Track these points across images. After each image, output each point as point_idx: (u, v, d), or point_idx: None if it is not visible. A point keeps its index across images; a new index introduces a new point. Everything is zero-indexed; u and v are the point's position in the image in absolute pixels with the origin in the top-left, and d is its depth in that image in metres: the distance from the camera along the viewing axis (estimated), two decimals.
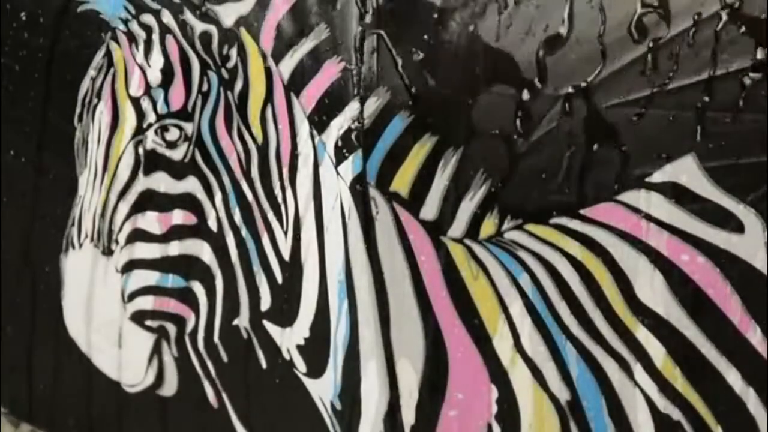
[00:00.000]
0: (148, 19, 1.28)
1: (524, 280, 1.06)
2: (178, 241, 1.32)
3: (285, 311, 1.25)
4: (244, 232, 1.26)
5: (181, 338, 1.35)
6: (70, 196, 1.42)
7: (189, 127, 1.28)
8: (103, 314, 1.40)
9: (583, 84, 0.98)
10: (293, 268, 1.23)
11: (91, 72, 1.36)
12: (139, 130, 1.31)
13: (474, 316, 1.10)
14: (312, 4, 1.15)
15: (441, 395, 1.14)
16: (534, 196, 1.03)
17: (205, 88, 1.26)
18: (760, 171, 0.90)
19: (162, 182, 1.31)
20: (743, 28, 0.89)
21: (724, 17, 0.90)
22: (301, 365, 1.25)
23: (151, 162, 1.31)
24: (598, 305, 1.01)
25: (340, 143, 1.16)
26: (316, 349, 1.22)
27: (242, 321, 1.29)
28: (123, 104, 1.32)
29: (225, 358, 1.33)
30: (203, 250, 1.30)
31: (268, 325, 1.27)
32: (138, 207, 1.33)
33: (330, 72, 1.15)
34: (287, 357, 1.26)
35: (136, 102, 1.31)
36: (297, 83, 1.18)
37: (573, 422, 1.05)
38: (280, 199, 1.22)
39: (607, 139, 0.98)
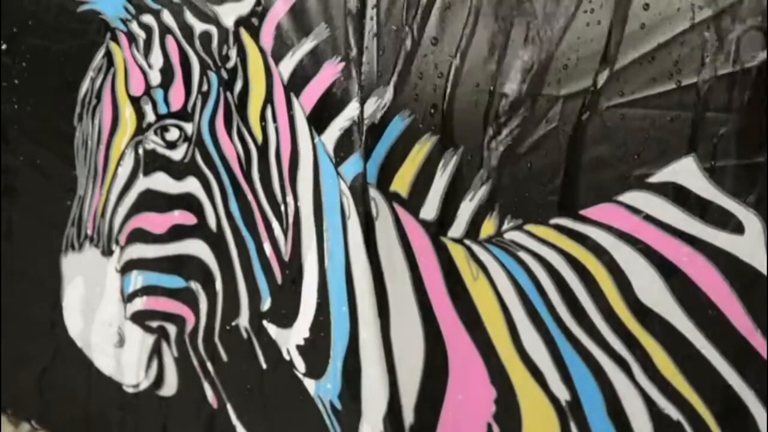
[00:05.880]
0: (148, 19, 1.28)
1: (524, 280, 1.06)
2: (178, 241, 1.32)
3: (285, 311, 1.25)
4: (244, 232, 1.26)
5: (181, 338, 1.35)
6: (70, 196, 1.42)
7: (189, 128, 1.28)
8: (103, 315, 1.40)
9: (584, 85, 0.98)
10: (293, 268, 1.23)
11: (91, 72, 1.36)
12: (139, 131, 1.31)
13: (474, 316, 1.10)
14: (312, 3, 1.15)
15: (441, 395, 1.14)
16: (534, 197, 1.03)
17: (204, 88, 1.26)
18: (760, 171, 0.90)
19: (162, 182, 1.31)
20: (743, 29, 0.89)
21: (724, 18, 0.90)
22: (301, 365, 1.25)
23: (151, 162, 1.31)
24: (598, 305, 1.01)
25: (340, 143, 1.16)
26: (316, 350, 1.22)
27: (242, 321, 1.29)
28: (123, 105, 1.32)
29: (225, 358, 1.32)
30: (203, 250, 1.30)
31: (268, 326, 1.27)
32: (138, 207, 1.33)
33: (330, 72, 1.15)
34: (287, 357, 1.25)
35: (135, 102, 1.31)
36: (297, 83, 1.18)
37: (573, 422, 1.05)
38: (280, 199, 1.22)
39: (607, 140, 0.98)
